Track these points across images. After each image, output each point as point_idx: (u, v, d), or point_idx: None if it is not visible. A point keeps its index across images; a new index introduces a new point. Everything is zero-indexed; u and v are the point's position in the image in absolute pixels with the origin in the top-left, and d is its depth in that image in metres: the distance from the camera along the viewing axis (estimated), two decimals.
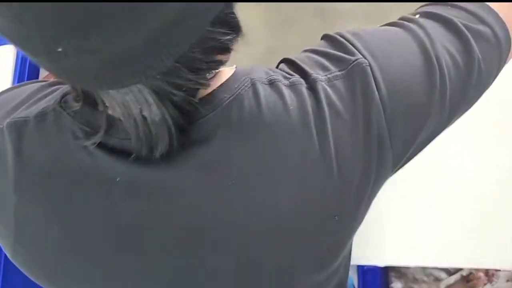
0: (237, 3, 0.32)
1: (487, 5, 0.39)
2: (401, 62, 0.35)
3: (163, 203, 0.33)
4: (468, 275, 0.80)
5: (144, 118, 0.30)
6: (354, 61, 0.35)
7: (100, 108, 0.32)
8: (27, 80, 0.96)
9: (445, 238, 0.61)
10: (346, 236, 0.39)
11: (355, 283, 0.81)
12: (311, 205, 0.34)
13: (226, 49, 0.33)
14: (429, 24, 0.38)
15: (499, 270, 0.79)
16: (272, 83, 0.35)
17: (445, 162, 0.63)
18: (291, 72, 0.36)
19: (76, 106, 0.33)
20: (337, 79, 0.35)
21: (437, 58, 0.36)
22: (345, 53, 0.35)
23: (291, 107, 0.34)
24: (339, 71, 0.35)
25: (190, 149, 0.33)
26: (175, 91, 0.30)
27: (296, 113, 0.33)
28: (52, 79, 0.42)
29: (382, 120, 0.34)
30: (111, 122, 0.32)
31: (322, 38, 0.39)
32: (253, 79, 0.35)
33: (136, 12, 0.24)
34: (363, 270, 0.78)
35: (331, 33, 0.38)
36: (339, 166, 0.34)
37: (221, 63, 0.33)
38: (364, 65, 0.34)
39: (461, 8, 0.39)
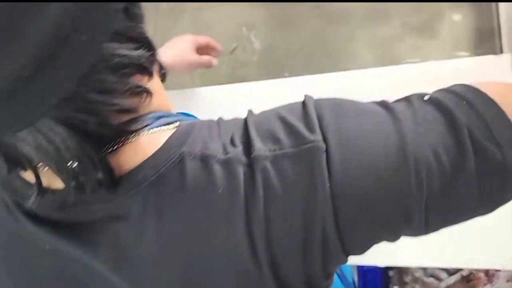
0: (143, 18, 0.30)
1: (505, 116, 0.31)
2: (371, 167, 0.30)
3: (83, 277, 0.33)
4: (468, 275, 0.80)
5: (63, 159, 0.28)
6: (310, 142, 0.30)
7: (24, 165, 0.30)
8: None
9: (445, 238, 0.61)
10: None
11: (355, 279, 0.81)
12: None
13: (143, 69, 0.30)
14: (430, 117, 0.31)
15: (499, 270, 0.79)
16: (204, 160, 0.31)
17: None
18: (236, 142, 0.32)
19: (3, 169, 0.31)
20: (284, 158, 0.30)
21: (418, 173, 0.29)
22: (306, 129, 0.31)
23: (220, 190, 0.30)
24: (290, 147, 0.30)
25: (107, 224, 0.31)
26: (92, 130, 0.27)
27: (225, 197, 0.30)
28: None
29: (331, 220, 0.29)
30: (39, 189, 0.31)
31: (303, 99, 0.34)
32: (182, 153, 0.31)
33: (12, 27, 0.22)
34: (363, 270, 0.78)
35: (309, 98, 0.33)
36: (272, 264, 0.30)
37: (143, 88, 0.30)
38: (320, 150, 0.29)
39: (476, 112, 0.31)
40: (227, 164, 0.30)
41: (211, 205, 0.30)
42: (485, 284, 0.79)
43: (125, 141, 0.31)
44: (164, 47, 0.70)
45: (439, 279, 0.82)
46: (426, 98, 0.33)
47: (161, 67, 0.67)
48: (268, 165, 0.30)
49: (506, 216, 0.60)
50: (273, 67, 0.79)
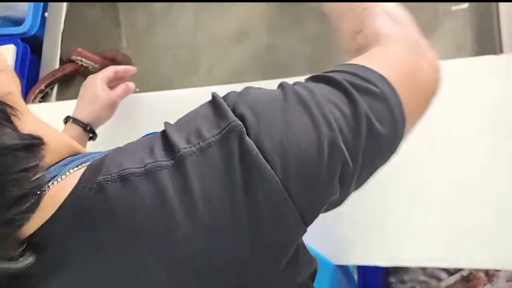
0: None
1: (367, 67, 0.35)
2: (285, 121, 0.31)
3: None
4: (468, 275, 0.81)
5: None
6: (228, 125, 0.31)
7: None
8: (26, 80, 0.95)
9: (445, 238, 0.61)
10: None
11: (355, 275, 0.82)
12: None
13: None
14: (312, 84, 0.35)
15: (499, 270, 0.79)
16: (123, 179, 0.30)
17: (445, 162, 0.63)
18: (155, 151, 0.32)
19: None
20: (210, 147, 0.31)
21: (324, 115, 0.32)
22: (221, 116, 0.32)
23: (148, 201, 0.30)
24: (212, 136, 0.31)
25: (48, 279, 0.31)
26: None
27: (155, 207, 0.30)
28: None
29: (277, 183, 0.30)
30: None
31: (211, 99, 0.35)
32: (99, 182, 0.30)
33: None
34: (363, 270, 0.78)
35: (216, 95, 0.35)
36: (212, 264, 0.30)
37: (35, 139, 0.30)
38: (239, 127, 0.31)
39: (342, 71, 0.35)
40: (149, 174, 0.30)
41: (146, 219, 0.30)
42: (485, 284, 0.79)
43: (35, 202, 0.30)
44: (78, 103, 0.68)
45: (439, 279, 0.82)
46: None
47: (85, 126, 0.65)
48: (196, 158, 0.30)
49: (505, 216, 0.60)
50: (273, 67, 0.78)
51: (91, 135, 0.68)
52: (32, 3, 0.97)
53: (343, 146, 0.32)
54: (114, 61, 0.90)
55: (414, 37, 0.42)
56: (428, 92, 0.40)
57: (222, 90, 0.80)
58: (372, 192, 0.65)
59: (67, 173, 0.32)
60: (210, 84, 0.82)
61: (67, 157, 0.35)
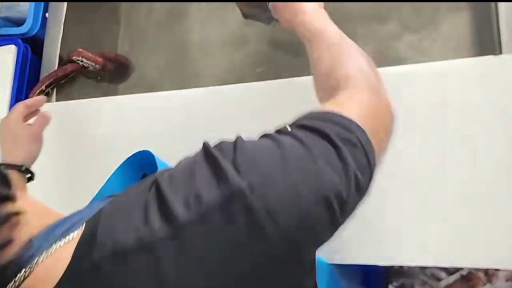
0: None
1: (345, 116, 0.38)
2: (288, 179, 0.32)
3: None
4: (467, 275, 0.81)
5: None
6: (230, 188, 0.30)
7: None
8: (27, 81, 0.96)
9: (444, 237, 0.61)
10: None
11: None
12: None
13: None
14: (302, 135, 0.35)
15: (499, 270, 0.79)
16: (118, 256, 0.29)
17: (444, 162, 0.63)
18: (150, 218, 0.30)
19: None
20: (209, 213, 0.30)
21: (323, 171, 0.33)
22: (221, 178, 0.31)
23: (145, 278, 0.29)
24: (214, 200, 0.30)
25: None
26: None
27: (152, 283, 0.29)
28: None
29: (281, 240, 0.30)
30: None
31: (203, 149, 0.34)
32: (94, 262, 0.29)
33: None
34: (363, 270, 0.78)
35: (208, 146, 0.33)
36: None
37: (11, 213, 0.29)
38: (243, 191, 0.30)
39: (327, 120, 0.37)
40: (144, 249, 0.29)
41: None
42: (484, 284, 0.79)
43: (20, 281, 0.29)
44: (1, 149, 0.65)
45: (438, 278, 0.82)
46: (290, 125, 0.37)
47: (19, 167, 0.62)
48: (197, 227, 0.29)
49: (505, 215, 0.60)
50: (272, 68, 0.78)
51: (29, 175, 0.63)
52: (33, 4, 0.97)
53: (338, 201, 0.33)
54: (114, 61, 0.90)
55: (375, 80, 0.47)
56: (389, 131, 0.45)
57: (222, 91, 0.81)
58: (371, 192, 0.65)
59: (55, 246, 0.30)
60: (210, 85, 0.82)
61: (45, 226, 0.33)
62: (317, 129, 0.36)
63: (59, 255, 0.30)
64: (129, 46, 0.93)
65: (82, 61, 0.88)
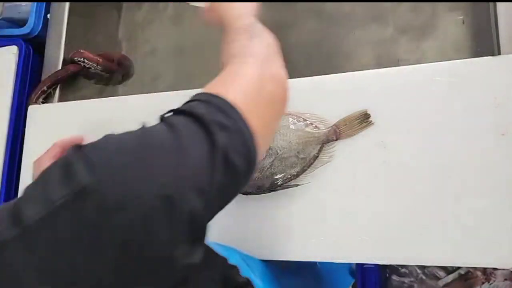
0: None
1: (223, 98, 0.37)
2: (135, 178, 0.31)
3: None
4: (466, 274, 0.81)
5: None
6: (77, 186, 0.29)
7: None
8: (28, 81, 0.96)
9: (443, 236, 0.62)
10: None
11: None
12: None
13: None
14: (177, 120, 0.35)
15: (497, 269, 0.79)
16: None
17: (443, 162, 0.64)
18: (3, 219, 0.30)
19: None
20: (57, 211, 0.29)
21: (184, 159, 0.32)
22: (70, 178, 0.30)
23: None
24: (59, 199, 0.29)
25: None
26: None
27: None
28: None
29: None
30: None
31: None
32: None
33: None
34: (362, 268, 0.79)
35: (68, 153, 0.33)
36: None
37: None
38: (90, 189, 0.29)
39: (207, 102, 0.37)
40: None
41: None
42: (482, 283, 0.80)
43: None
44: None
45: (437, 277, 0.83)
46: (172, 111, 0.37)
47: None
48: (44, 228, 0.29)
49: (504, 215, 0.60)
50: None
51: None
52: (35, 4, 0.98)
53: (198, 193, 0.32)
54: (115, 62, 0.91)
55: (265, 55, 0.45)
56: (274, 108, 0.43)
57: None
58: (370, 191, 0.66)
59: None
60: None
61: None
62: (192, 112, 0.35)
63: None
64: (130, 46, 0.94)
65: (83, 61, 0.89)
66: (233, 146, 0.35)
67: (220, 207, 0.37)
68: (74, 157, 0.32)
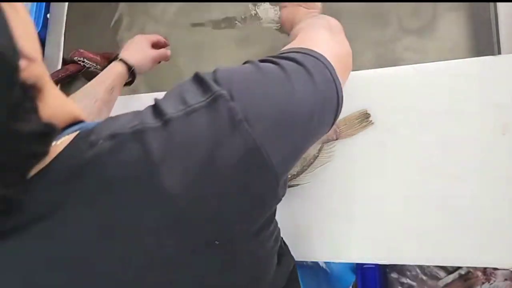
0: None
1: (317, 51, 0.42)
2: (265, 90, 0.36)
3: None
4: (466, 274, 0.81)
5: None
6: (213, 93, 0.34)
7: None
8: None
9: (444, 236, 0.62)
10: (243, 251, 0.36)
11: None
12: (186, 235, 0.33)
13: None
14: (281, 61, 0.39)
15: (497, 269, 0.79)
16: (113, 138, 0.33)
17: (442, 161, 0.64)
18: (143, 118, 0.34)
19: None
20: (195, 111, 0.33)
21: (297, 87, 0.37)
22: (205, 88, 0.35)
23: (135, 159, 0.32)
24: (198, 103, 0.34)
25: (36, 225, 0.32)
26: None
27: (141, 165, 0.32)
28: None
29: (255, 144, 0.33)
30: None
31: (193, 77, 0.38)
32: (91, 141, 0.33)
33: None
34: (362, 268, 0.79)
35: (198, 72, 0.37)
36: (205, 206, 0.33)
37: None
38: (224, 95, 0.34)
39: (303, 52, 0.42)
40: (136, 134, 0.32)
41: (133, 177, 0.31)
42: (483, 283, 0.80)
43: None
44: (124, 51, 0.77)
45: (437, 277, 0.83)
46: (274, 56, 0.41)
47: (129, 68, 0.68)
48: (183, 122, 0.33)
49: (504, 215, 0.60)
50: None
51: (130, 79, 0.76)
52: (34, 4, 0.98)
53: (312, 117, 0.37)
54: None
55: (333, 24, 0.53)
56: (348, 72, 0.50)
57: None
58: (369, 191, 0.66)
59: (64, 137, 0.34)
60: None
61: (71, 123, 0.37)
62: (294, 58, 0.39)
63: (65, 141, 0.34)
64: None
65: (83, 61, 0.89)
66: (330, 97, 0.40)
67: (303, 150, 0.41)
68: (206, 75, 0.36)
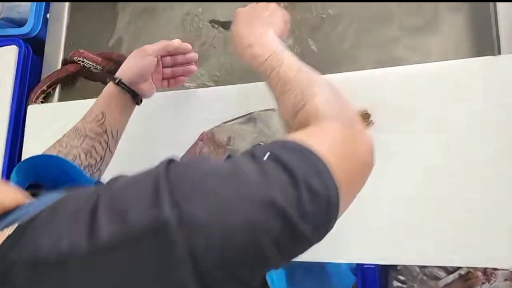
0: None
1: (313, 151, 0.35)
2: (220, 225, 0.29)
3: None
4: (466, 274, 0.81)
5: None
6: (156, 219, 0.28)
7: None
8: (28, 81, 0.96)
9: (443, 237, 0.62)
10: None
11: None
12: None
13: None
14: (269, 165, 0.33)
15: (497, 269, 0.79)
16: (34, 266, 0.29)
17: (442, 161, 0.64)
18: (77, 230, 0.29)
19: None
20: (132, 241, 0.28)
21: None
22: (155, 203, 0.29)
23: None
24: (136, 226, 0.28)
25: None
26: None
27: None
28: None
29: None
30: None
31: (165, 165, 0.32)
32: (9, 263, 0.29)
33: None
34: (362, 269, 0.78)
35: (164, 167, 0.32)
36: None
37: None
38: (169, 226, 0.28)
39: (305, 160, 0.34)
40: (60, 265, 0.28)
41: None
42: (483, 283, 0.80)
43: None
44: (126, 66, 0.66)
45: (437, 278, 0.83)
46: (267, 155, 0.34)
47: (135, 94, 0.65)
48: (116, 254, 0.28)
49: (505, 215, 0.60)
50: None
51: (135, 98, 0.67)
52: (34, 4, 0.98)
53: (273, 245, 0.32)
54: (115, 62, 0.91)
55: (347, 112, 0.43)
56: (364, 170, 0.42)
57: (226, 91, 0.81)
58: (369, 191, 0.66)
59: None
60: (209, 85, 0.83)
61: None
62: (283, 162, 0.33)
63: None
64: (130, 46, 0.94)
65: (83, 61, 0.89)
66: (316, 217, 0.34)
67: (290, 258, 0.36)
68: (163, 182, 0.30)
